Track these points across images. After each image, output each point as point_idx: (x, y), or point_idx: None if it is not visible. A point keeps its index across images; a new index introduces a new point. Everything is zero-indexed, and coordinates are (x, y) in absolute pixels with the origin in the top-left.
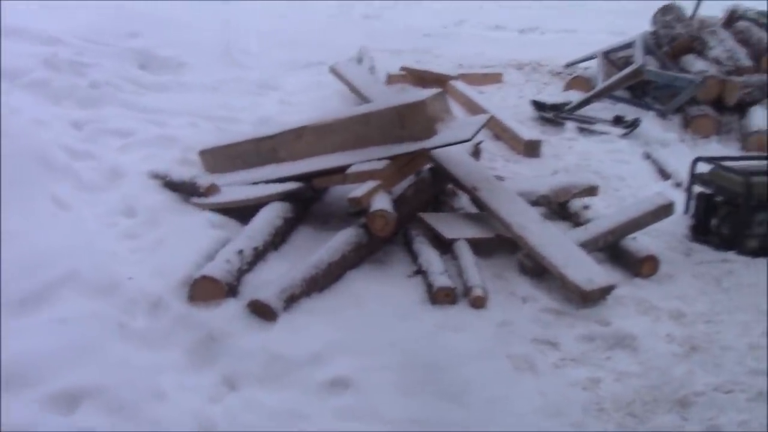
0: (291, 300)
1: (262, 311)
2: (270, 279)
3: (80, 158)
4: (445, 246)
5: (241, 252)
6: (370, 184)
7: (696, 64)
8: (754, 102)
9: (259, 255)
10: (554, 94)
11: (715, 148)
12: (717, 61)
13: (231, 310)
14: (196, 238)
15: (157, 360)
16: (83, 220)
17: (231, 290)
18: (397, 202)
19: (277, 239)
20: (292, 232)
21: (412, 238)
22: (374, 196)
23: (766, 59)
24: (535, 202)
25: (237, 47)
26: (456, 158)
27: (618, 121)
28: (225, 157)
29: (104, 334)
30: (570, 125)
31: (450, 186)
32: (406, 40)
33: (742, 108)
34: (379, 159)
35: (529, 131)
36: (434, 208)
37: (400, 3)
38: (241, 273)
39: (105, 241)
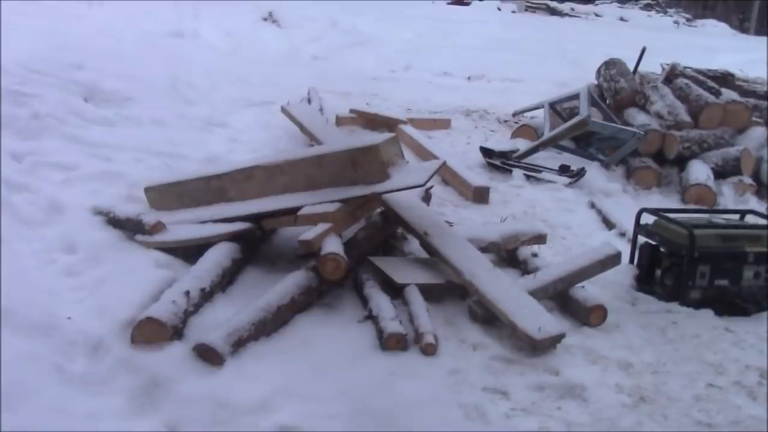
0: (238, 344)
1: (208, 355)
2: (217, 321)
3: (18, 191)
4: (395, 291)
5: (187, 293)
6: (321, 227)
7: (638, 118)
8: (692, 156)
9: (206, 296)
10: (502, 141)
11: (656, 198)
12: (659, 116)
13: (176, 354)
14: (141, 278)
15: (97, 405)
16: (20, 255)
17: (176, 333)
18: (348, 245)
19: (225, 280)
20: (240, 273)
21: (362, 282)
22: (325, 238)
23: (704, 115)
24: (485, 249)
25: (184, 82)
26: (407, 203)
27: (564, 170)
28: (172, 195)
29: (41, 377)
30: (517, 173)
31: (400, 230)
32: (354, 83)
33: (681, 161)
34: (331, 201)
35: (477, 177)
36: (385, 253)
37: (347, 47)
38: (187, 315)
39: (43, 278)
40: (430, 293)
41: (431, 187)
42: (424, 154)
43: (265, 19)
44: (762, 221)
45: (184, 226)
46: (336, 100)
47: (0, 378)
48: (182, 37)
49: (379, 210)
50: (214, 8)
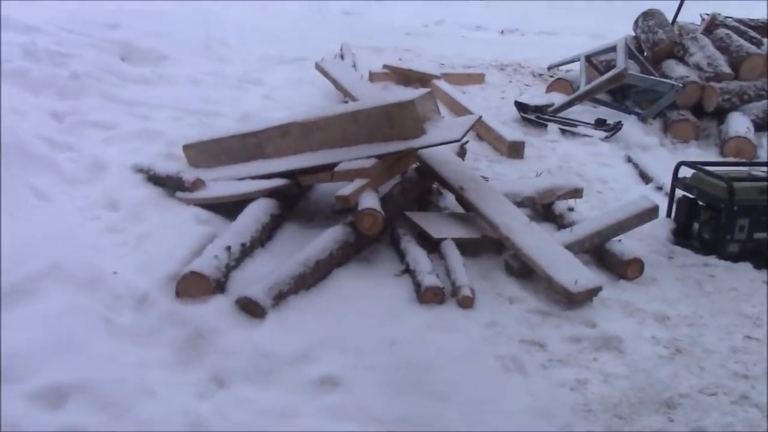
0: (279, 297)
1: (250, 308)
2: (257, 276)
3: (61, 150)
4: (432, 245)
5: (228, 248)
6: (358, 183)
7: (677, 70)
8: (732, 108)
9: (246, 252)
10: (537, 95)
11: (694, 152)
12: (698, 67)
13: (219, 307)
14: (182, 234)
15: (145, 356)
16: (65, 213)
17: (219, 286)
18: (384, 200)
19: (264, 236)
20: (279, 228)
21: (399, 237)
22: (362, 194)
23: (745, 66)
24: (520, 204)
25: (217, 40)
26: (442, 158)
27: (600, 124)
28: (210, 152)
29: (90, 330)
30: (552, 127)
31: (436, 185)
32: (386, 38)
33: (720, 114)
34: (367, 157)
35: (512, 132)
36: (420, 208)
37: (379, 1)
38: (229, 269)
39: (88, 234)
40: (466, 248)
41: (466, 142)
42: (459, 110)
43: None
44: None
45: (222, 183)
46: (369, 55)
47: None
48: None
49: (415, 165)
50: None
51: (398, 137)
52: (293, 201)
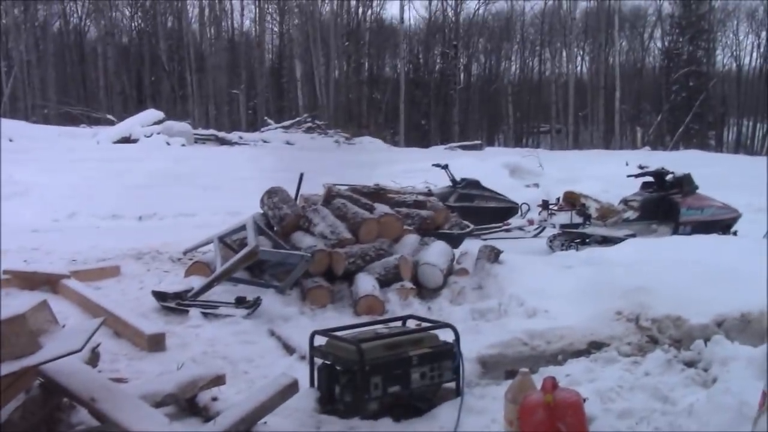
0: None
1: None
2: None
3: None
4: None
5: None
6: None
7: (305, 240)
8: (358, 269)
9: None
10: (176, 281)
11: (332, 315)
12: (323, 236)
13: None
14: None
15: None
16: None
17: None
18: (2, 429)
19: None
20: None
21: None
22: None
23: (362, 231)
24: (161, 403)
25: None
26: (69, 368)
27: (240, 302)
28: None
29: None
30: (195, 312)
31: (66, 400)
32: (10, 239)
33: (350, 276)
34: None
35: (151, 324)
36: (50, 428)
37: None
38: None
39: None
40: None
41: (98, 345)
42: (93, 308)
43: None
44: (422, 324)
45: None
46: None
47: None
48: None
49: (38, 382)
50: None
51: (10, 356)
52: None
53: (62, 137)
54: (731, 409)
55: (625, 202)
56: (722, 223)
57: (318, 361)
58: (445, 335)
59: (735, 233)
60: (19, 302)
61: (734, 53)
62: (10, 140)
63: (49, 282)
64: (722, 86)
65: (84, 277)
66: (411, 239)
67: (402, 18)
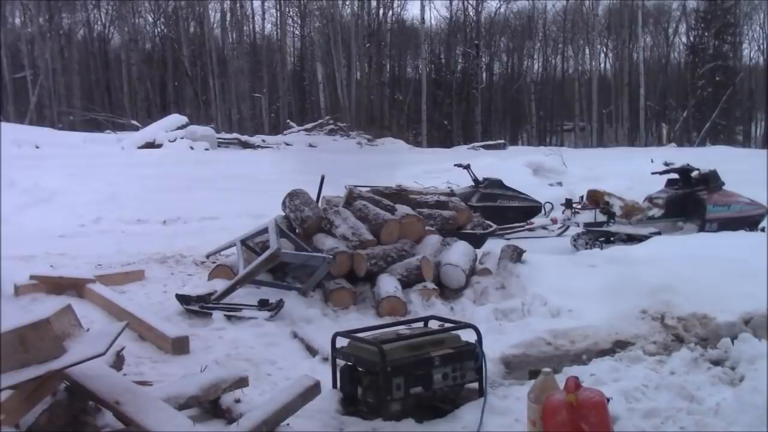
0: None
1: None
2: None
3: None
4: None
5: None
6: None
7: (327, 242)
8: (380, 271)
9: None
10: (199, 285)
11: (354, 317)
12: (344, 237)
13: None
14: None
15: None
16: None
17: None
18: None
19: None
20: None
21: None
22: None
23: (384, 232)
24: (185, 405)
25: None
26: (94, 372)
27: (263, 304)
28: None
29: None
30: (218, 315)
31: (92, 403)
32: (37, 244)
33: (371, 277)
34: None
35: (175, 328)
36: (75, 431)
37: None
38: None
39: None
40: None
41: (122, 348)
42: (116, 312)
43: None
44: (444, 324)
45: None
46: (16, 267)
47: None
48: None
49: (64, 385)
50: None
51: (35, 361)
52: None
53: (87, 143)
54: (759, 408)
55: (650, 199)
56: (749, 220)
57: (340, 362)
58: (468, 335)
59: (763, 230)
60: (44, 307)
61: (761, 47)
62: (37, 147)
63: (75, 286)
64: (749, 80)
65: (109, 282)
66: (433, 240)
67: (423, 18)
